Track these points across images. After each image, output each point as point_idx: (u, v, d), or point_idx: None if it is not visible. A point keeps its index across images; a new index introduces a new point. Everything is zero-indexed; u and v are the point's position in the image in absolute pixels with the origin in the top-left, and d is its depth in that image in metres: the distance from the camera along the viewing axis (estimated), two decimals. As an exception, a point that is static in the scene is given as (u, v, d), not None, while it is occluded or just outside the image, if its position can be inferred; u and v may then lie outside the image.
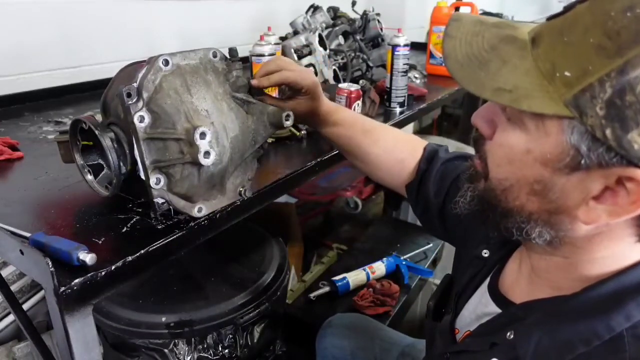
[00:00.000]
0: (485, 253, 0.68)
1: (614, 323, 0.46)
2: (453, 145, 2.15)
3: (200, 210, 0.65)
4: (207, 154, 0.60)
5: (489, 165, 0.53)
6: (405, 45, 1.21)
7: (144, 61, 0.61)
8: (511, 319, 0.56)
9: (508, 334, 0.53)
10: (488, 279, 0.66)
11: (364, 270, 1.56)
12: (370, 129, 0.86)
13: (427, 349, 0.79)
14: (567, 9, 0.45)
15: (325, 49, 1.27)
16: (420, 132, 3.19)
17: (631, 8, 0.39)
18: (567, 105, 0.42)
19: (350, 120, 0.86)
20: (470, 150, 2.17)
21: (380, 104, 1.22)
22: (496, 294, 0.62)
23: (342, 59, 1.38)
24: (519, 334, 0.52)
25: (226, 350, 1.08)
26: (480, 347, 0.57)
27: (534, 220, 0.50)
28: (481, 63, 0.48)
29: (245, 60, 1.03)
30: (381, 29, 1.57)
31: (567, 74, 0.42)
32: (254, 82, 0.74)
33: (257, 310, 1.07)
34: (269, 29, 1.22)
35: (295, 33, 1.43)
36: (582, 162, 0.43)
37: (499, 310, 0.60)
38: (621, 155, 0.41)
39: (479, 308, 0.65)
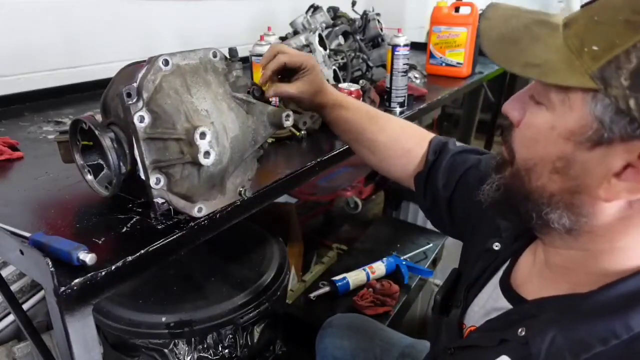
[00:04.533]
0: (497, 246, 0.68)
1: (634, 322, 0.45)
2: (453, 145, 2.16)
3: (200, 210, 0.65)
4: (207, 154, 0.60)
5: (515, 149, 0.53)
6: (405, 45, 1.21)
7: (144, 61, 0.61)
8: (523, 315, 0.55)
9: (519, 330, 0.52)
10: (500, 273, 0.65)
11: (364, 270, 1.56)
12: (375, 116, 0.86)
13: (432, 344, 0.78)
14: None
15: (325, 49, 1.27)
16: (420, 132, 3.19)
17: None
18: (592, 78, 0.43)
19: (356, 104, 0.86)
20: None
21: (380, 104, 1.22)
22: (508, 289, 0.61)
23: (342, 59, 1.38)
24: (532, 331, 0.51)
25: (226, 350, 1.08)
26: (488, 343, 0.56)
27: (555, 202, 0.49)
28: (513, 40, 0.49)
29: (245, 60, 1.03)
30: (381, 29, 1.57)
31: (594, 47, 0.43)
32: (261, 80, 0.76)
33: (257, 310, 1.07)
34: (269, 29, 1.22)
35: (295, 33, 1.43)
36: (605, 135, 0.43)
37: (509, 306, 0.59)
38: None
39: (488, 303, 0.64)
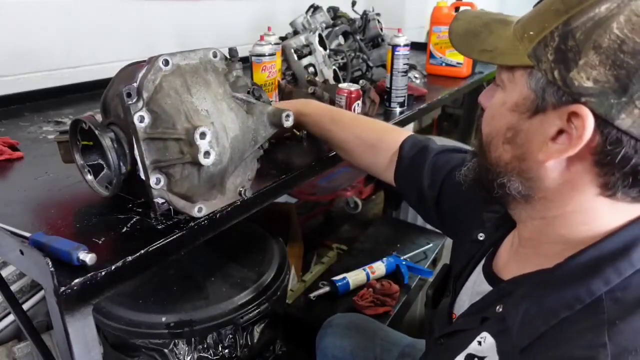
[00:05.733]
0: (481, 236, 0.72)
1: (594, 287, 0.49)
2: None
3: (200, 210, 0.65)
4: (207, 154, 0.60)
5: (481, 127, 0.61)
6: (405, 45, 1.21)
7: (144, 61, 0.61)
8: (501, 294, 0.59)
9: (497, 307, 0.57)
10: (483, 261, 0.69)
11: (364, 270, 1.56)
12: (339, 119, 0.94)
13: (427, 339, 0.81)
14: None
15: (325, 49, 1.27)
16: (420, 132, 3.19)
17: None
18: (529, 57, 0.51)
19: (319, 112, 0.95)
20: (470, 149, 2.16)
21: (380, 104, 1.22)
22: (489, 273, 0.66)
23: (342, 59, 1.38)
24: (507, 306, 0.55)
25: (226, 350, 1.08)
26: (472, 325, 0.60)
27: (509, 170, 0.55)
28: (474, 34, 0.59)
29: (245, 60, 1.03)
30: (381, 29, 1.57)
31: (531, 32, 0.51)
32: None
33: (257, 310, 1.07)
34: (269, 29, 1.22)
35: (295, 33, 1.43)
36: (540, 104, 0.50)
37: (490, 289, 0.63)
38: (567, 94, 0.48)
39: (473, 289, 0.67)
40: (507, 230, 0.69)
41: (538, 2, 0.55)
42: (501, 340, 0.55)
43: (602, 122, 0.46)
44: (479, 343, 0.57)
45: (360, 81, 1.14)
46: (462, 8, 1.69)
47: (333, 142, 0.94)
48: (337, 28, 1.45)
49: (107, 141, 0.62)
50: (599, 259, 0.51)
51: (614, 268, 0.49)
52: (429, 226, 1.96)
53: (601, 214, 0.52)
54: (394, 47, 1.21)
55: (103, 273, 0.54)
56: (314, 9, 1.51)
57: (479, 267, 0.69)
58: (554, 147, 0.50)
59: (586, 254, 0.52)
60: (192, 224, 0.66)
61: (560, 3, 0.49)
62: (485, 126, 0.59)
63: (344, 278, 1.51)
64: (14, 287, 1.21)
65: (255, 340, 1.13)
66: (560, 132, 0.50)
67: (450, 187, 0.82)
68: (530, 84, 0.51)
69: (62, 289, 0.51)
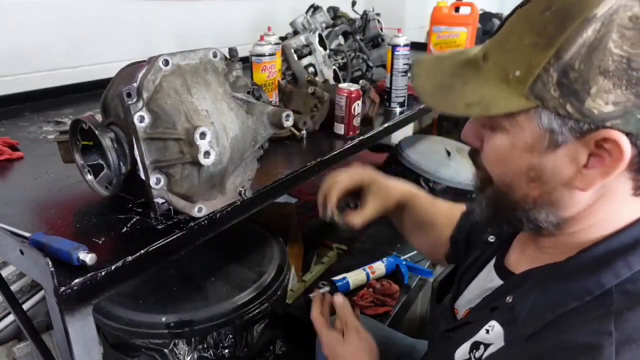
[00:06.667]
0: (492, 239, 0.74)
1: (604, 280, 0.50)
2: (453, 145, 2.15)
3: (200, 210, 0.65)
4: (207, 154, 0.60)
5: (488, 170, 0.58)
6: (405, 45, 1.21)
7: (144, 61, 0.61)
8: (511, 286, 0.60)
9: (507, 298, 0.58)
10: (494, 260, 0.70)
11: (364, 270, 1.56)
12: (434, 203, 0.98)
13: (430, 333, 0.81)
14: (502, 24, 0.54)
15: (325, 49, 1.27)
16: (420, 132, 3.19)
17: (547, 8, 0.48)
18: (527, 98, 0.48)
19: (420, 193, 0.98)
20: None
21: (380, 104, 1.22)
22: (501, 269, 0.66)
23: (342, 59, 1.38)
24: (517, 297, 0.56)
25: (226, 350, 1.08)
26: (482, 316, 0.61)
27: (539, 204, 0.54)
28: (447, 88, 0.55)
29: (245, 60, 1.03)
30: (381, 29, 1.57)
31: (517, 73, 0.49)
32: (329, 212, 0.88)
33: (257, 310, 1.07)
34: (269, 29, 1.22)
35: (295, 33, 1.43)
36: (560, 139, 0.49)
37: (501, 282, 0.64)
38: (589, 123, 0.46)
39: (483, 285, 0.68)
40: (516, 232, 0.70)
41: (494, 33, 0.54)
42: (509, 328, 0.55)
43: (634, 136, 0.46)
44: (487, 331, 0.58)
45: (360, 81, 1.14)
46: (462, 8, 1.69)
47: (424, 227, 0.97)
48: (337, 28, 1.45)
49: (107, 141, 0.62)
50: (609, 252, 0.52)
51: (625, 261, 0.50)
52: (429, 226, 1.96)
53: (626, 212, 0.53)
54: (394, 47, 1.21)
55: (103, 273, 0.54)
56: (314, 9, 1.51)
57: (490, 265, 0.70)
58: (591, 174, 0.49)
59: (597, 248, 0.53)
60: (192, 224, 0.66)
61: (535, 36, 0.48)
62: (494, 169, 0.57)
63: (344, 278, 1.51)
64: (14, 287, 1.21)
65: (255, 340, 1.13)
66: (590, 154, 0.49)
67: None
68: (540, 123, 0.49)
69: (62, 289, 0.51)
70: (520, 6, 0.53)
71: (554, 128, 0.48)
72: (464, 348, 0.60)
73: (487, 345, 0.57)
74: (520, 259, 0.65)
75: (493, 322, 0.58)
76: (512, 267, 0.65)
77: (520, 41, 0.49)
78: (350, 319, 0.81)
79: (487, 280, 0.68)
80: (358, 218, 0.89)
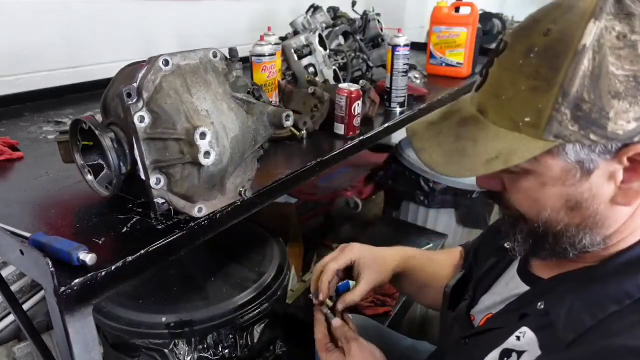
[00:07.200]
0: (508, 245, 0.72)
1: None
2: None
3: (200, 210, 0.65)
4: (207, 154, 0.60)
5: (520, 210, 0.58)
6: (405, 45, 1.21)
7: (144, 61, 0.61)
8: (541, 292, 0.59)
9: (539, 304, 0.57)
10: (516, 264, 0.69)
11: (364, 270, 1.55)
12: (431, 260, 0.98)
13: (441, 339, 0.81)
14: (484, 76, 0.54)
15: (325, 49, 1.27)
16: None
17: (530, 51, 0.49)
18: (545, 139, 0.48)
19: (417, 257, 0.97)
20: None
21: (380, 104, 1.22)
22: (526, 274, 0.66)
23: (342, 59, 1.38)
24: (551, 302, 0.55)
25: (226, 350, 1.08)
26: (507, 323, 0.60)
27: (582, 229, 0.54)
28: (459, 152, 0.54)
29: (245, 60, 1.03)
30: (381, 29, 1.57)
31: (526, 119, 0.49)
32: (320, 297, 0.86)
33: (257, 310, 1.07)
34: (269, 29, 1.22)
35: (295, 33, 1.43)
36: (591, 166, 0.49)
37: (527, 288, 0.63)
38: (615, 143, 0.47)
39: (506, 291, 0.67)
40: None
41: (478, 87, 0.54)
42: (543, 334, 0.55)
43: None
44: (517, 338, 0.57)
45: (360, 81, 1.14)
46: (462, 8, 1.69)
47: (423, 289, 0.97)
48: (337, 28, 1.45)
49: (107, 141, 0.62)
50: None
51: None
52: (429, 226, 1.96)
53: None
54: (394, 47, 1.21)
55: (103, 273, 0.54)
56: (314, 9, 1.51)
57: (512, 271, 0.69)
58: (631, 188, 0.50)
59: (633, 250, 0.53)
60: (192, 224, 0.66)
61: (530, 81, 0.48)
62: (528, 209, 0.57)
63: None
64: (14, 287, 1.21)
65: (255, 340, 1.13)
66: (625, 170, 0.49)
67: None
68: (567, 158, 0.49)
69: (62, 289, 0.51)
70: (496, 55, 0.53)
71: (582, 158, 0.49)
72: (493, 355, 0.59)
73: (519, 353, 0.56)
74: (547, 263, 0.63)
75: (524, 329, 0.57)
76: (539, 272, 0.64)
77: (515, 88, 0.49)
78: (349, 334, 0.79)
79: (510, 286, 0.67)
80: (355, 296, 0.88)
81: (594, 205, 0.52)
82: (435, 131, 0.58)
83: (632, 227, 0.54)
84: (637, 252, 0.53)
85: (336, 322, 0.82)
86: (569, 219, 0.54)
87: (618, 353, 0.47)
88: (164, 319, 1.00)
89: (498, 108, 0.52)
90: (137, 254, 0.58)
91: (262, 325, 1.15)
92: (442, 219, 1.97)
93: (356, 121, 1.05)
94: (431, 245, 1.79)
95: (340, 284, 1.47)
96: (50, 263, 0.50)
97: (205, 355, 1.06)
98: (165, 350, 1.03)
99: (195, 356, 1.05)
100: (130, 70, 0.66)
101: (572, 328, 0.52)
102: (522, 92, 0.49)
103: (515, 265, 0.69)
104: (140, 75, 0.59)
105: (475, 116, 0.54)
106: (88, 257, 0.53)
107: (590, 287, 0.53)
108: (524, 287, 0.64)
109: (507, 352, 0.57)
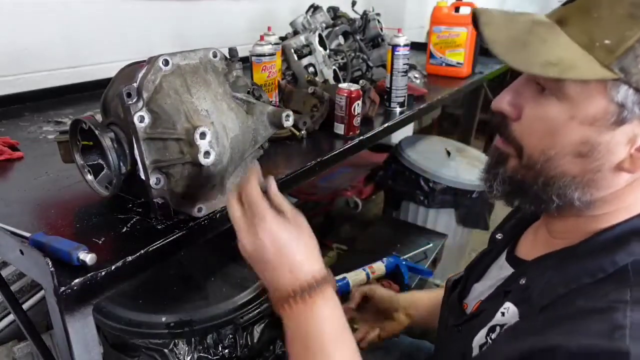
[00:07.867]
0: (499, 236, 0.74)
1: (618, 259, 0.51)
2: (453, 145, 2.15)
3: (200, 210, 0.65)
4: (207, 154, 0.60)
5: (523, 142, 0.56)
6: (405, 45, 1.21)
7: (144, 61, 0.61)
8: (524, 271, 0.60)
9: (521, 281, 0.58)
10: (504, 254, 0.70)
11: (364, 270, 1.56)
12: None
13: (440, 330, 0.82)
14: None
15: (325, 49, 1.27)
16: (420, 132, 3.19)
17: None
18: (611, 69, 0.47)
19: (423, 301, 1.04)
20: (470, 149, 2.16)
21: (380, 104, 1.22)
22: (513, 259, 0.67)
23: (342, 59, 1.38)
24: (531, 277, 0.57)
25: (226, 350, 1.08)
26: (494, 305, 0.61)
27: (577, 182, 0.53)
28: (524, 44, 0.52)
29: (245, 60, 1.03)
30: (381, 29, 1.57)
31: (606, 42, 0.47)
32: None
33: (257, 310, 1.07)
34: (269, 29, 1.22)
35: (295, 33, 1.43)
36: (628, 116, 0.48)
37: (513, 270, 0.64)
38: None
39: (494, 276, 0.69)
40: (526, 225, 0.71)
41: (568, 2, 0.52)
42: (523, 306, 0.56)
43: None
44: (502, 314, 0.58)
45: (360, 81, 1.14)
46: (462, 8, 1.69)
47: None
48: (337, 28, 1.45)
49: (107, 141, 0.62)
50: (624, 234, 0.53)
51: None
52: (429, 226, 1.96)
53: None
54: (394, 47, 1.21)
55: (103, 273, 0.54)
56: (314, 9, 1.51)
57: (501, 259, 0.70)
58: None
59: (612, 231, 0.54)
60: (192, 224, 0.66)
61: (631, 7, 0.46)
62: (538, 141, 0.54)
63: (344, 278, 1.51)
64: (14, 287, 1.21)
65: (255, 340, 1.13)
66: None
67: None
68: (614, 97, 0.48)
69: (62, 289, 0.51)
70: None
71: (626, 104, 0.47)
72: (481, 334, 0.60)
73: (502, 326, 0.57)
74: (532, 247, 0.65)
75: (508, 304, 0.58)
76: (524, 256, 0.65)
77: (612, 10, 0.47)
78: (285, 204, 0.61)
79: (499, 272, 0.68)
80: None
81: (602, 159, 0.51)
82: (508, 17, 0.55)
83: (621, 203, 0.54)
84: (616, 232, 0.53)
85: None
86: (570, 165, 0.52)
87: (584, 312, 0.49)
88: (164, 319, 1.00)
89: (583, 23, 0.50)
90: (137, 254, 0.58)
91: (262, 325, 1.15)
92: (442, 219, 1.97)
93: (356, 121, 1.05)
94: (431, 245, 1.79)
95: (340, 284, 1.48)
96: (50, 263, 0.50)
97: (205, 355, 1.06)
98: (165, 350, 1.03)
99: (195, 356, 1.05)
100: (130, 70, 0.66)
101: (545, 296, 0.53)
102: (617, 16, 0.47)
103: (504, 255, 0.71)
104: (140, 75, 0.59)
105: (552, 24, 0.52)
106: (88, 257, 0.53)
107: (569, 264, 0.54)
108: (509, 270, 0.65)
109: (492, 328, 0.59)
